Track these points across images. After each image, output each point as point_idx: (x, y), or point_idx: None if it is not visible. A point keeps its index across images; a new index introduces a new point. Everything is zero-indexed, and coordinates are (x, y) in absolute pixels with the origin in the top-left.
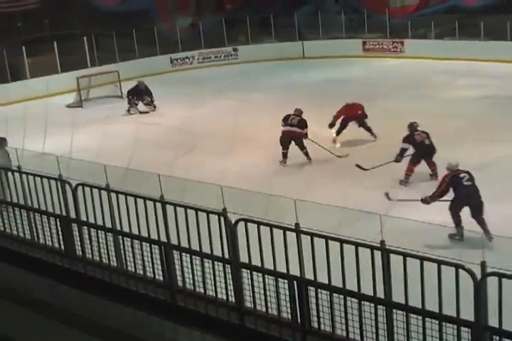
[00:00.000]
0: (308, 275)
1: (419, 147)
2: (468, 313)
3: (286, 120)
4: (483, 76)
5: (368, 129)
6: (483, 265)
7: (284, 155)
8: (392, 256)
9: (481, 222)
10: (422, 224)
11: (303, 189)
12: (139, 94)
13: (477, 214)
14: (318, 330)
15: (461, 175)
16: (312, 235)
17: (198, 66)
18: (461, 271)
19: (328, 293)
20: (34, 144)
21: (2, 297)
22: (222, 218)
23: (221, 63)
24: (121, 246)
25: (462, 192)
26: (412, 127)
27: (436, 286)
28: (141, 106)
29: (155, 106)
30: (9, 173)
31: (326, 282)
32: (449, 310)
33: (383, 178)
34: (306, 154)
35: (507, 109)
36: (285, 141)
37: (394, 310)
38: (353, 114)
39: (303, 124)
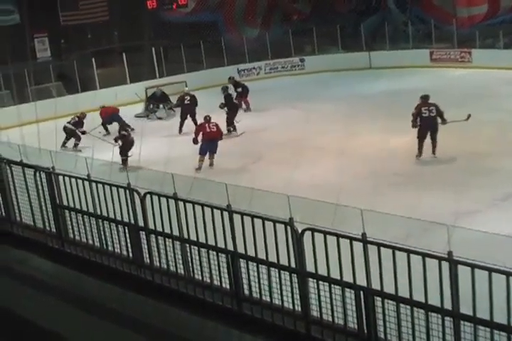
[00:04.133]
0: (375, 285)
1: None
2: None
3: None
4: None
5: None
6: None
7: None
8: (459, 267)
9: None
10: (490, 235)
11: (370, 198)
12: (158, 101)
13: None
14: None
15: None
16: (379, 245)
17: (265, 76)
18: None
19: (395, 303)
20: (103, 153)
21: (70, 303)
22: (288, 227)
23: (288, 73)
24: (189, 255)
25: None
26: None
27: (505, 298)
28: (159, 112)
29: (174, 111)
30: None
31: (393, 292)
32: None
33: (448, 187)
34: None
35: None
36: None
37: (461, 322)
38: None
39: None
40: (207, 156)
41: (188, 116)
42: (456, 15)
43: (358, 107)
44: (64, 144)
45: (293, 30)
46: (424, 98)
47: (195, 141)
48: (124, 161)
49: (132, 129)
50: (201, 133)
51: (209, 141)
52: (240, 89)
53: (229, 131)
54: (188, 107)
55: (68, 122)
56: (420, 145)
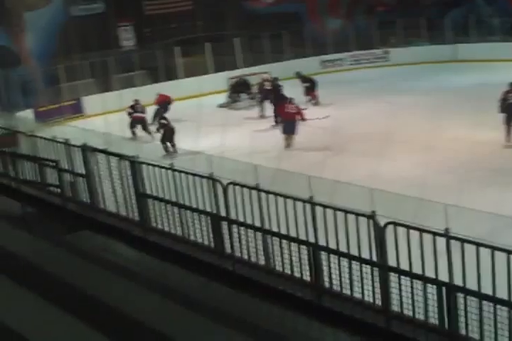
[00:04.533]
0: (458, 281)
1: None
2: None
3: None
4: None
5: None
6: None
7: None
8: None
9: None
10: None
11: (455, 194)
12: (240, 90)
13: None
14: (466, 337)
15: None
16: (462, 241)
17: (349, 68)
18: None
19: (477, 300)
20: (187, 143)
21: (152, 290)
22: (371, 221)
23: (372, 65)
24: (270, 246)
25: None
26: None
27: None
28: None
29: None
30: (162, 170)
31: (476, 289)
32: None
33: None
34: None
35: None
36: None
37: None
38: None
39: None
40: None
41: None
42: None
43: (443, 100)
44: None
45: (377, 22)
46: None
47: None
48: (166, 149)
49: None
50: (280, 113)
51: (286, 121)
52: (307, 84)
53: (276, 122)
54: (266, 92)
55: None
56: (507, 130)
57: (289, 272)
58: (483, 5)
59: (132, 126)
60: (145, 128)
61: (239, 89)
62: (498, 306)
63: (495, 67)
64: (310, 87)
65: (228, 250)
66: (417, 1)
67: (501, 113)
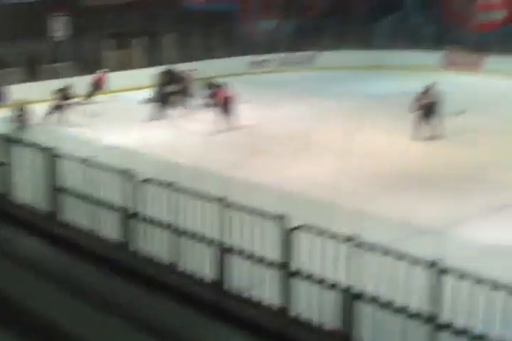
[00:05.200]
0: (360, 287)
1: None
2: None
3: None
4: None
5: None
6: None
7: None
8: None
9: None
10: (479, 244)
11: (366, 200)
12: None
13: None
14: None
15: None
16: (368, 247)
17: (277, 70)
18: None
19: (377, 306)
20: (108, 137)
21: (58, 284)
22: (280, 223)
23: (300, 68)
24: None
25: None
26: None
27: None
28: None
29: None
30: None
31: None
32: None
33: (447, 194)
34: None
35: None
36: None
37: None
38: None
39: None
40: None
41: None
42: (475, 20)
43: (365, 106)
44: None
45: (308, 25)
46: (427, 87)
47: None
48: None
49: None
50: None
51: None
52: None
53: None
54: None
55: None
56: (417, 129)
57: (193, 272)
58: (415, 14)
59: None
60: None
61: (167, 80)
62: (396, 313)
63: (418, 75)
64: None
65: (136, 246)
66: (349, 7)
67: (412, 112)
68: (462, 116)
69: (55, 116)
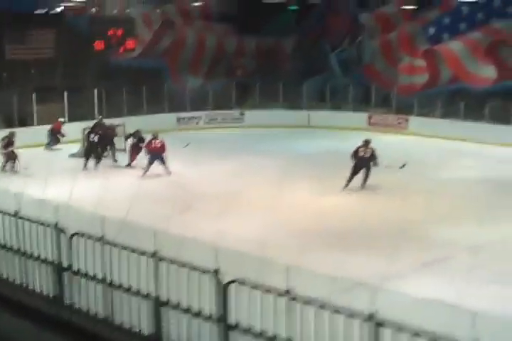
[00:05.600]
0: None
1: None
2: None
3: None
4: (484, 158)
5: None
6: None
7: None
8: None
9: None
10: (413, 299)
11: (298, 255)
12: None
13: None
14: None
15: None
16: (304, 302)
17: (204, 127)
18: None
19: None
20: (35, 191)
21: None
22: (214, 278)
23: (227, 126)
24: (112, 298)
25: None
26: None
27: None
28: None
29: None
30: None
31: None
32: None
33: (377, 250)
34: None
35: (505, 192)
36: None
37: None
38: None
39: None
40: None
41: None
42: (398, 82)
43: (293, 164)
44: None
45: (236, 84)
46: (365, 142)
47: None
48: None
49: None
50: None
51: (154, 153)
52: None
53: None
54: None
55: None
56: (349, 179)
57: (129, 326)
58: (340, 75)
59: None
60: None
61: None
62: None
63: (346, 135)
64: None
65: (69, 300)
66: (277, 67)
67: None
68: (396, 171)
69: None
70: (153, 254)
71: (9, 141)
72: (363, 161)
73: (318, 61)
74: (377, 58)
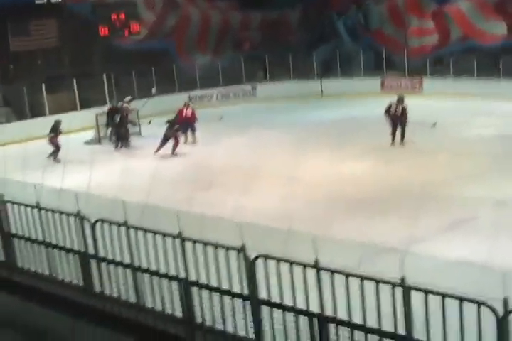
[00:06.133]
0: (329, 312)
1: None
2: None
3: None
4: (500, 115)
5: None
6: (505, 301)
7: None
8: (413, 293)
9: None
10: (441, 262)
11: (323, 224)
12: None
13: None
14: None
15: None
16: (332, 271)
17: (217, 104)
18: (483, 307)
19: (348, 329)
20: (53, 180)
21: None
22: (241, 254)
23: (240, 100)
24: (140, 282)
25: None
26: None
27: (458, 323)
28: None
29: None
30: (28, 208)
31: (347, 319)
32: None
33: (401, 214)
34: None
35: None
36: None
37: None
38: None
39: None
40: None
41: None
42: (408, 45)
43: (309, 135)
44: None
45: (245, 58)
46: (398, 99)
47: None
48: None
49: None
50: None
51: (186, 123)
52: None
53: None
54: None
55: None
56: (392, 134)
57: (161, 309)
58: (349, 42)
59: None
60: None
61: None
62: (369, 335)
63: (358, 102)
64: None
65: (98, 288)
66: (284, 38)
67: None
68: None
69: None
70: (178, 235)
71: (56, 130)
72: (396, 118)
73: (326, 30)
74: (385, 23)
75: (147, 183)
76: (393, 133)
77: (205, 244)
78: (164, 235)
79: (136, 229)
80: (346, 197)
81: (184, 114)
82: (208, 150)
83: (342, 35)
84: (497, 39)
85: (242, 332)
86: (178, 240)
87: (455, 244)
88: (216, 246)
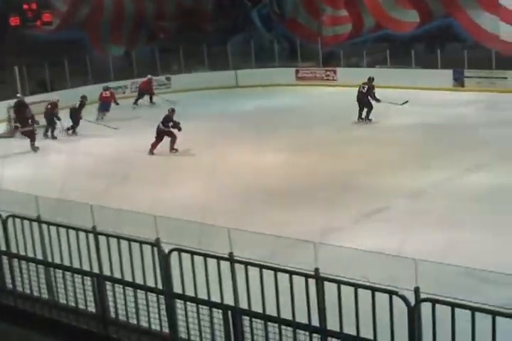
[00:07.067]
0: (243, 304)
1: None
2: (403, 339)
3: None
4: (414, 104)
5: None
6: (416, 291)
7: None
8: (326, 283)
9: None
10: (355, 251)
11: (239, 217)
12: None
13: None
14: None
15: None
16: (246, 264)
17: (131, 95)
18: (395, 297)
19: (263, 322)
20: None
21: None
22: (155, 248)
23: (154, 92)
24: (53, 279)
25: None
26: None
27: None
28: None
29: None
30: None
31: (261, 311)
32: (384, 336)
33: (317, 205)
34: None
35: (439, 135)
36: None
37: (329, 338)
38: None
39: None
40: None
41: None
42: (321, 34)
43: (225, 126)
44: None
45: (159, 49)
46: (369, 78)
47: None
48: None
49: None
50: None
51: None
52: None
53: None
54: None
55: None
56: (358, 113)
57: (74, 304)
58: (263, 31)
59: None
60: None
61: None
62: (284, 327)
63: (273, 92)
64: None
65: (9, 285)
66: (198, 28)
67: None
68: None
69: None
70: (92, 230)
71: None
72: (361, 95)
73: (240, 19)
74: (299, 11)
75: (61, 178)
76: (359, 113)
77: (119, 238)
78: (78, 230)
79: (49, 224)
80: (264, 189)
81: (104, 95)
82: (123, 143)
83: (256, 25)
84: (410, 27)
85: (156, 327)
86: (91, 235)
87: (369, 233)
88: (130, 240)
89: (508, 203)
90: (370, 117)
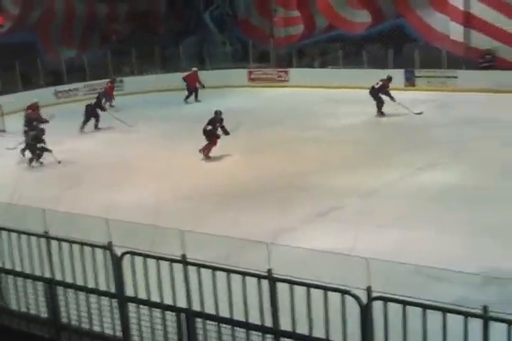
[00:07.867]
0: (196, 306)
1: None
2: (356, 338)
3: None
4: (367, 103)
5: None
6: (369, 290)
7: None
8: (279, 284)
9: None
10: (308, 251)
11: (192, 219)
12: None
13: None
14: None
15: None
16: (199, 266)
17: (84, 98)
18: (348, 296)
19: (216, 324)
20: None
21: None
22: (107, 251)
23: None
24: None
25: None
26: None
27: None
28: None
29: None
30: None
31: (214, 313)
32: (337, 335)
33: (270, 205)
34: None
35: (391, 135)
36: None
37: (282, 339)
38: None
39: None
40: None
41: None
42: (274, 35)
43: (178, 128)
44: None
45: (112, 51)
46: (387, 76)
47: None
48: None
49: None
50: None
51: None
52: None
53: None
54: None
55: None
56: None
57: (25, 310)
58: (216, 33)
59: None
60: None
61: None
62: (236, 328)
63: (225, 93)
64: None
65: None
66: (151, 30)
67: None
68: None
69: None
70: (43, 234)
71: None
72: (372, 90)
73: (193, 20)
74: (252, 13)
75: (12, 183)
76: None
77: (71, 242)
78: (29, 234)
79: (0, 229)
80: (217, 190)
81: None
82: (75, 147)
83: (209, 26)
84: (362, 28)
85: (109, 331)
86: (43, 239)
87: (320, 233)
88: (82, 243)
89: (460, 201)
90: (382, 110)
